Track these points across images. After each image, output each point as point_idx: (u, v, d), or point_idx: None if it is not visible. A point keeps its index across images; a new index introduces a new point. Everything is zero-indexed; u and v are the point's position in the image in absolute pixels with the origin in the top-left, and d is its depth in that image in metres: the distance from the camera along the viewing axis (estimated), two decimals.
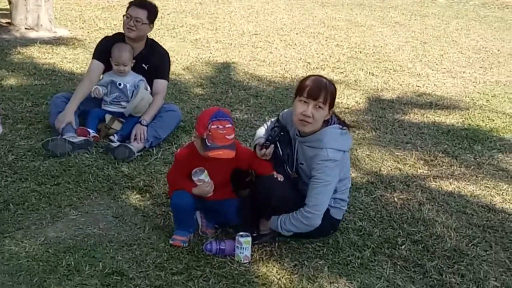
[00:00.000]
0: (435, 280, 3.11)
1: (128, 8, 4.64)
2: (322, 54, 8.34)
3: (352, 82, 6.94)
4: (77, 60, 6.87)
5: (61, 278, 2.84)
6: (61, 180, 3.80)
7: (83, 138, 4.27)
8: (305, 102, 3.18)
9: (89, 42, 7.83)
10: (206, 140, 3.11)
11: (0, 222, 3.27)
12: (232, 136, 3.17)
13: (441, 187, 4.26)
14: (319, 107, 3.18)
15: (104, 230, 3.30)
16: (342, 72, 7.35)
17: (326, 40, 9.38)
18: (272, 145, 3.39)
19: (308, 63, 7.75)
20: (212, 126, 3.11)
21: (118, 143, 4.32)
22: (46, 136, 4.38)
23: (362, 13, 12.89)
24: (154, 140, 4.46)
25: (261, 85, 6.54)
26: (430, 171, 4.54)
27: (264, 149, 3.38)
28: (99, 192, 3.72)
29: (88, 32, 8.63)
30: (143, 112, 4.50)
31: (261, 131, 3.64)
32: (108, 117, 4.56)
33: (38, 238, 3.15)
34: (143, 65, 4.68)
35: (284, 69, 7.35)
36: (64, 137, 4.19)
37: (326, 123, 3.29)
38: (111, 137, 4.41)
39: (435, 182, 4.35)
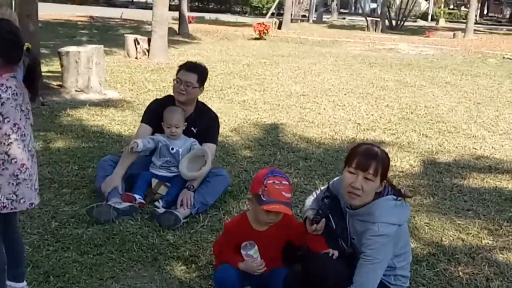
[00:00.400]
0: None
1: (178, 71, 4.57)
2: (372, 115, 8.14)
3: (405, 144, 6.69)
4: (126, 122, 6.86)
5: None
6: (104, 249, 3.63)
7: (128, 204, 4.13)
8: (353, 173, 2.95)
9: (137, 104, 7.88)
10: (262, 195, 2.91)
11: None
12: (289, 195, 2.97)
13: (509, 260, 3.91)
14: (369, 179, 2.93)
15: None
16: (393, 134, 7.12)
17: (376, 101, 9.21)
18: (323, 219, 3.15)
19: (358, 124, 7.56)
20: (268, 181, 2.92)
21: (163, 210, 4.16)
22: (91, 202, 4.26)
23: (411, 74, 12.73)
24: (201, 206, 4.28)
25: (310, 147, 6.35)
26: (496, 241, 4.20)
27: (315, 225, 3.15)
28: (143, 263, 3.52)
29: (137, 94, 8.71)
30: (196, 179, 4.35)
31: (310, 201, 3.42)
32: (154, 181, 4.43)
33: None
34: (192, 128, 4.58)
35: (334, 130, 7.17)
36: (109, 203, 4.06)
37: (379, 194, 3.04)
38: (156, 203, 4.26)
39: (502, 254, 4.01)
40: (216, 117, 4.75)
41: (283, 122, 7.46)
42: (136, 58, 12.50)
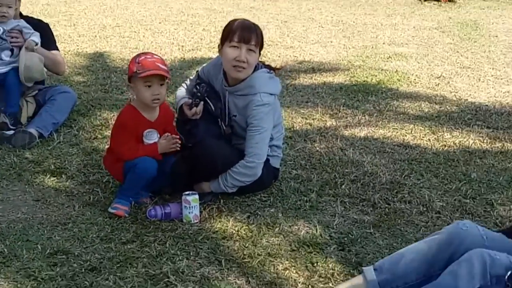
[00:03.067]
0: (386, 209, 3.12)
1: None
2: (193, 38, 8.21)
3: None
4: None
5: None
6: None
7: None
8: (236, 47, 3.03)
9: None
10: (137, 71, 2.93)
11: None
12: (164, 67, 3.00)
13: (354, 134, 4.32)
14: (252, 50, 3.04)
15: (29, 214, 2.92)
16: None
17: (192, 26, 9.26)
18: (202, 102, 3.20)
19: (182, 46, 7.58)
20: (140, 58, 2.98)
21: (12, 131, 3.86)
22: None
23: (217, 2, 12.93)
24: (52, 126, 4.04)
25: None
26: (338, 122, 4.60)
27: (194, 108, 3.18)
28: (9, 180, 3.29)
29: None
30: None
31: (182, 92, 3.42)
32: None
33: None
34: None
35: (160, 53, 7.00)
36: None
37: (254, 69, 3.17)
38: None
39: (347, 130, 4.41)
40: (47, 24, 4.55)
41: (106, 50, 7.20)
42: None
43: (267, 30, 9.08)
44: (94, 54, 6.93)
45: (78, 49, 7.18)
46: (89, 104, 4.73)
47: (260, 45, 3.09)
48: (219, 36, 3.22)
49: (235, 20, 3.17)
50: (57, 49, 4.46)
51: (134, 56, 3.05)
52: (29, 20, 4.37)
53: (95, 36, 8.17)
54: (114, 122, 3.31)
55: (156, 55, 3.08)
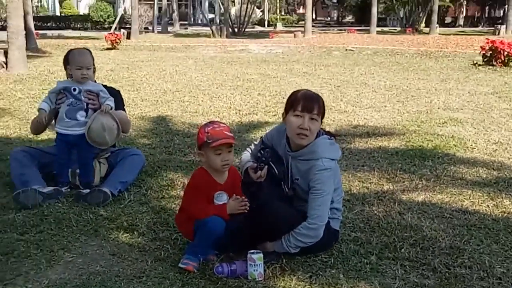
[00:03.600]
0: (446, 274, 3.17)
1: (69, 60, 4.34)
2: (249, 102, 8.51)
3: None
4: (9, 127, 6.64)
5: None
6: (42, 228, 3.56)
7: (52, 188, 4.07)
8: (300, 116, 3.23)
9: (14, 110, 7.78)
10: (207, 140, 3.12)
11: None
12: (231, 134, 3.19)
13: (412, 199, 4.40)
14: (314, 119, 3.24)
15: (106, 267, 3.11)
16: (275, 115, 7.52)
17: (247, 91, 9.62)
18: (266, 166, 3.39)
19: (239, 110, 7.88)
20: (209, 128, 3.17)
21: (88, 190, 4.13)
22: (8, 193, 4.13)
23: (270, 68, 13.38)
24: (122, 186, 4.30)
25: None
26: (395, 186, 4.69)
27: (259, 171, 3.37)
28: (87, 235, 3.52)
29: (9, 102, 8.42)
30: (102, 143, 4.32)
31: (247, 156, 3.62)
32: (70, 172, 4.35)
33: (42, 282, 2.90)
34: None
35: (219, 117, 7.42)
36: (33, 187, 3.96)
37: (316, 136, 3.36)
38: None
39: (404, 194, 4.50)
40: (118, 91, 4.83)
41: (168, 114, 7.57)
42: None
43: (321, 94, 9.32)
44: (157, 117, 7.29)
45: (142, 112, 7.56)
46: (155, 166, 4.99)
47: (322, 113, 3.29)
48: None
49: (298, 90, 3.39)
50: (124, 110, 4.76)
51: (202, 126, 3.25)
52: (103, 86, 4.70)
53: (157, 100, 8.59)
54: (187, 183, 3.51)
55: (222, 123, 3.29)
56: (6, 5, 12.53)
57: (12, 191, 4.08)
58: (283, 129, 3.45)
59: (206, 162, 3.23)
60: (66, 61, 4.33)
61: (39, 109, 4.26)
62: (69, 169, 4.32)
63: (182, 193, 4.30)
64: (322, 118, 3.32)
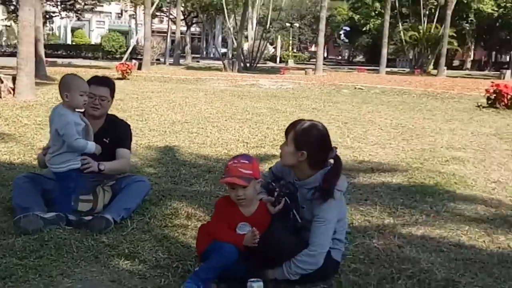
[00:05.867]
0: None
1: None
2: (257, 135, 8.62)
3: None
4: (13, 152, 6.74)
5: None
6: (42, 253, 3.61)
7: (54, 213, 4.11)
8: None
9: (19, 136, 7.86)
10: (223, 175, 3.25)
11: None
12: (248, 171, 3.25)
13: (412, 233, 4.44)
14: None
15: None
16: None
17: (256, 124, 9.72)
18: (283, 199, 3.49)
19: (247, 143, 7.98)
20: (229, 163, 3.29)
21: (90, 217, 4.20)
22: (9, 218, 4.21)
23: (280, 103, 13.52)
24: (125, 212, 4.36)
25: (210, 162, 6.62)
26: (396, 220, 4.74)
27: (277, 205, 3.49)
28: (87, 261, 3.57)
29: (15, 128, 8.55)
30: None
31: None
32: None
33: None
34: (105, 139, 4.61)
35: (226, 148, 7.51)
36: (35, 213, 4.03)
37: (323, 166, 3.44)
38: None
39: (405, 229, 4.54)
40: (128, 125, 4.87)
41: (175, 144, 7.67)
42: (0, 97, 11.99)
43: (328, 130, 9.41)
44: (165, 147, 7.39)
45: (149, 142, 7.67)
46: (160, 195, 5.07)
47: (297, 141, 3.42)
48: (282, 134, 3.54)
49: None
50: (129, 148, 4.78)
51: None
52: (113, 118, 4.81)
53: (165, 131, 8.70)
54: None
55: (247, 158, 3.36)
56: (18, 32, 12.78)
57: (13, 216, 4.16)
58: None
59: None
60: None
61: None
62: (72, 196, 4.38)
63: (186, 222, 4.40)
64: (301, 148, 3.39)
